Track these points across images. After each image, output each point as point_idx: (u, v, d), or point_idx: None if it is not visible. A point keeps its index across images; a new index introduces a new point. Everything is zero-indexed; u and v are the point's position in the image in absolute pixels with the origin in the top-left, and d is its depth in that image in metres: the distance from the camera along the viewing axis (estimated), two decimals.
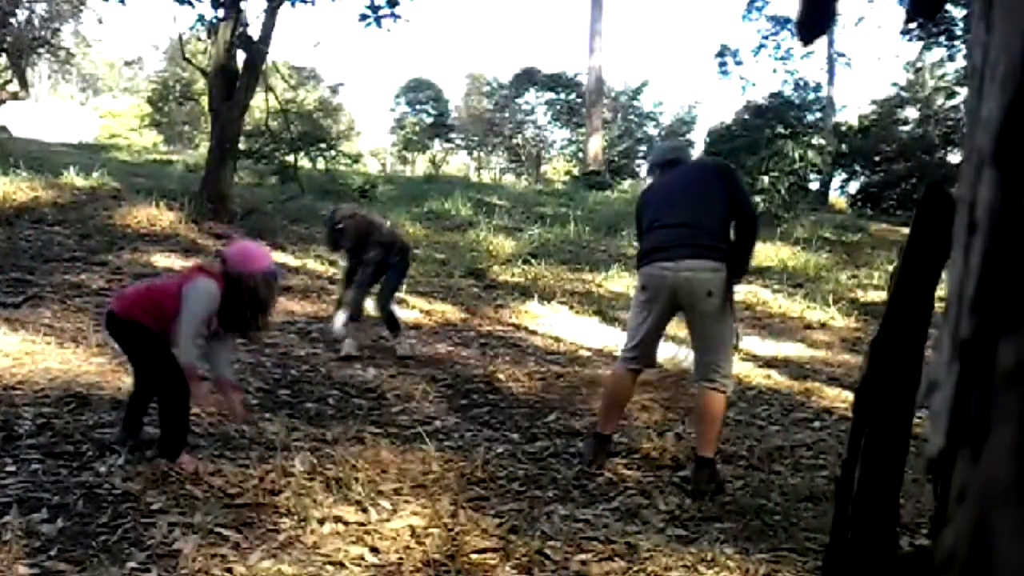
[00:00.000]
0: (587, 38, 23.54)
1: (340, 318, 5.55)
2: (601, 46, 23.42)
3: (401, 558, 2.62)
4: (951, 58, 21.83)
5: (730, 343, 3.53)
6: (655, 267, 3.43)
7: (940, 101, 22.70)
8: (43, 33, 21.86)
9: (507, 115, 33.55)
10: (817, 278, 10.05)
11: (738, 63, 26.54)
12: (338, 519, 2.86)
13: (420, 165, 34.36)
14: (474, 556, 2.64)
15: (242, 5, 9.74)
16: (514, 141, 34.29)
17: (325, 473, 3.22)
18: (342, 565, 2.55)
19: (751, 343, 6.43)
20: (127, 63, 46.11)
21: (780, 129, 16.11)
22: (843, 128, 22.69)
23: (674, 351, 5.14)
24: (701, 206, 3.45)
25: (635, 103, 33.35)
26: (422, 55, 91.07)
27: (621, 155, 29.69)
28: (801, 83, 24.66)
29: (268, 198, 11.72)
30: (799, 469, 3.69)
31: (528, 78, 32.31)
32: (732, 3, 78.79)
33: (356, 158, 23.60)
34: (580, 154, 28.11)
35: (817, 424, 4.47)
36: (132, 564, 2.46)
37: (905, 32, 21.14)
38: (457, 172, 32.08)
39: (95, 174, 10.27)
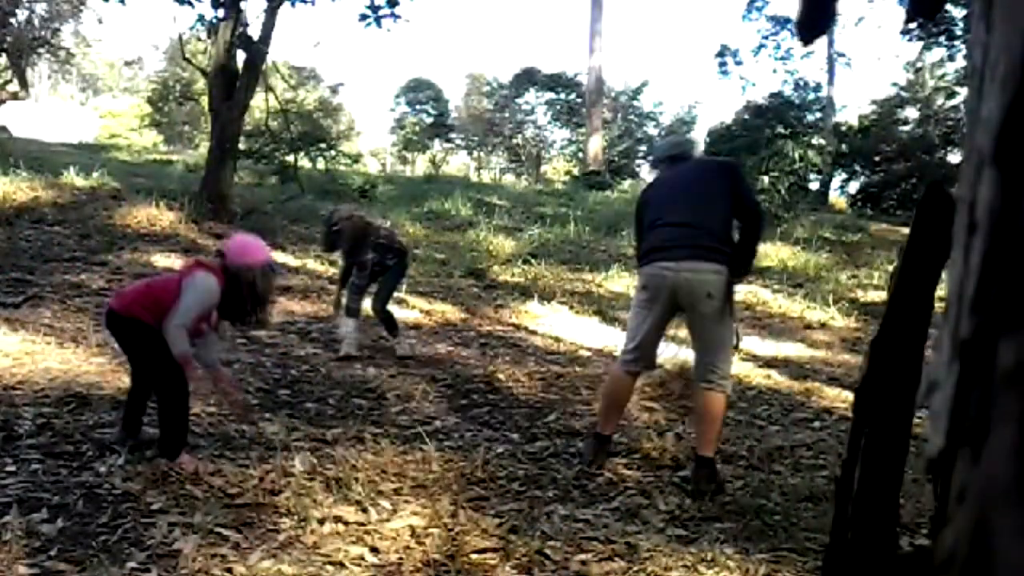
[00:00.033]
0: (587, 38, 23.55)
1: (348, 323, 5.53)
2: (601, 46, 23.43)
3: (401, 558, 2.62)
4: (951, 58, 21.84)
5: (730, 344, 3.52)
6: (656, 267, 3.42)
7: (940, 101, 22.70)
8: (43, 33, 21.86)
9: (507, 115, 33.56)
10: (817, 278, 10.05)
11: (738, 63, 26.57)
12: (338, 519, 2.86)
13: (420, 165, 34.37)
14: (474, 556, 2.64)
15: (242, 5, 9.74)
16: (514, 141, 34.29)
17: (325, 473, 3.22)
18: (342, 565, 2.55)
19: (751, 343, 6.43)
20: (127, 63, 46.13)
21: (780, 129, 16.11)
22: (843, 128, 22.70)
23: (674, 351, 5.14)
24: (704, 205, 3.42)
25: (635, 103, 33.36)
26: (422, 55, 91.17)
27: (621, 155, 29.69)
28: (801, 83, 24.69)
29: (268, 198, 11.72)
30: (799, 469, 3.69)
31: (528, 78, 32.31)
32: (732, 3, 78.80)
33: (356, 158, 23.60)
34: (580, 154, 28.11)
35: (817, 424, 4.47)
36: (132, 564, 2.46)
37: (905, 32, 21.15)
38: (457, 172, 32.08)
39: (95, 174, 10.27)
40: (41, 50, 22.63)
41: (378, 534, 2.78)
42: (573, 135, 32.17)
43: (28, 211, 8.42)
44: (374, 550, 2.67)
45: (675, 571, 2.61)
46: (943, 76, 22.91)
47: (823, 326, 7.77)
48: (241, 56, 9.72)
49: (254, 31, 9.85)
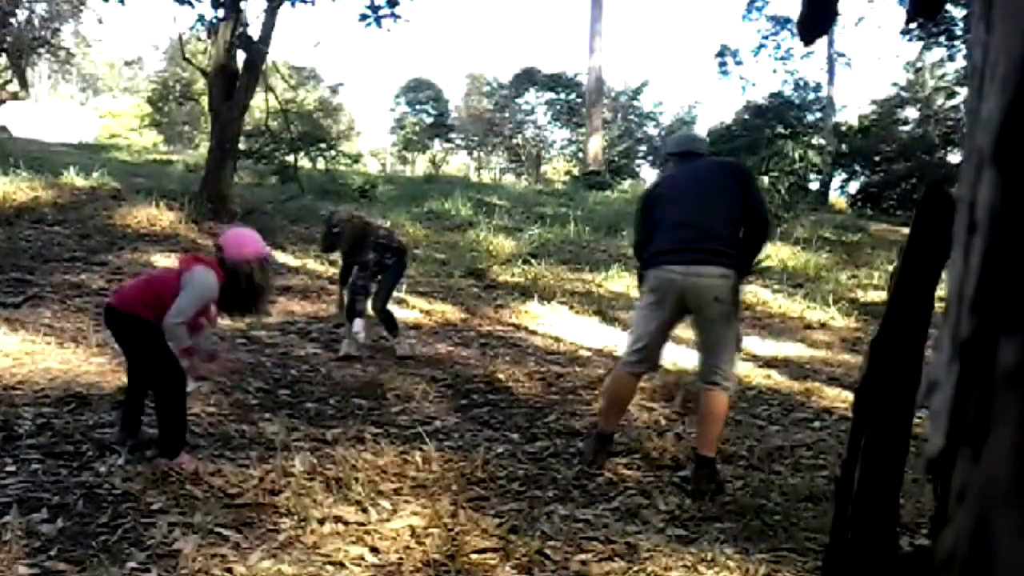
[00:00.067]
0: (587, 38, 23.55)
1: (357, 323, 5.54)
2: (601, 46, 23.43)
3: (401, 558, 2.62)
4: (951, 58, 21.85)
5: (734, 346, 3.52)
6: (664, 270, 3.40)
7: (940, 101, 22.72)
8: (43, 33, 21.87)
9: (507, 115, 33.56)
10: (817, 278, 10.05)
11: (738, 63, 26.59)
12: (338, 519, 2.86)
13: (420, 165, 34.37)
14: (474, 556, 2.64)
15: (242, 5, 9.74)
16: (514, 141, 34.30)
17: (325, 473, 3.22)
18: (342, 565, 2.55)
19: (751, 343, 6.43)
20: (127, 63, 46.15)
21: (780, 129, 16.12)
22: (843, 128, 22.72)
23: (677, 352, 5.13)
24: (713, 208, 3.40)
25: (635, 103, 33.37)
26: (422, 55, 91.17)
27: (621, 155, 29.71)
28: (801, 83, 24.72)
29: (268, 198, 11.72)
30: (799, 469, 3.69)
31: (528, 78, 32.32)
32: (732, 3, 78.85)
33: (356, 158, 23.62)
34: (580, 154, 28.12)
35: (817, 424, 4.47)
36: (132, 564, 2.46)
37: (905, 32, 21.16)
38: (457, 172, 32.08)
39: (95, 174, 10.28)
40: (41, 50, 22.64)
41: (378, 534, 2.78)
42: (573, 135, 32.17)
43: (28, 211, 8.42)
44: (374, 550, 2.67)
45: (675, 571, 2.61)
46: (943, 76, 22.92)
47: (823, 326, 7.77)
48: (241, 56, 9.73)
49: (254, 31, 9.86)
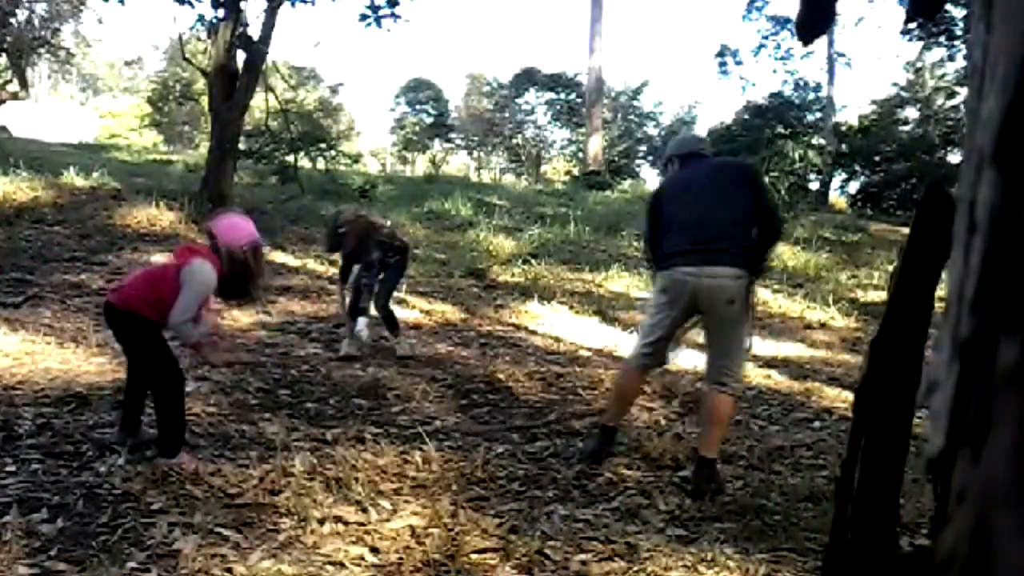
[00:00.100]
0: (587, 38, 23.56)
1: (360, 322, 5.57)
2: (601, 46, 23.43)
3: (401, 558, 2.62)
4: (951, 58, 21.85)
5: (743, 349, 3.51)
6: (677, 272, 3.38)
7: (940, 101, 22.73)
8: (43, 33, 21.88)
9: (507, 115, 33.56)
10: (817, 278, 10.05)
11: (738, 63, 26.58)
12: (338, 519, 2.86)
13: (420, 165, 34.37)
14: (474, 556, 2.64)
15: (242, 5, 9.75)
16: (514, 141, 34.30)
17: (325, 473, 3.22)
18: (342, 565, 2.55)
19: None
20: (127, 63, 46.16)
21: (780, 129, 16.13)
22: (843, 128, 22.71)
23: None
24: (723, 208, 3.38)
25: (635, 103, 33.37)
26: (422, 55, 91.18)
27: (621, 155, 29.71)
28: (801, 83, 24.69)
29: (268, 198, 11.72)
30: (799, 469, 3.69)
31: (528, 78, 32.32)
32: (732, 3, 78.84)
33: (356, 158, 23.63)
34: (580, 154, 28.12)
35: (817, 424, 4.47)
36: (132, 564, 2.46)
37: (905, 32, 21.15)
38: (457, 172, 32.08)
39: (95, 174, 10.28)
40: (41, 50, 22.65)
41: (378, 534, 2.78)
42: (573, 135, 32.17)
43: (28, 211, 8.43)
44: (374, 550, 2.67)
45: (675, 571, 2.61)
46: (943, 76, 22.93)
47: (823, 326, 7.77)
48: (241, 56, 9.73)
49: (254, 31, 9.86)
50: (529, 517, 3.00)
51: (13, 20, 20.30)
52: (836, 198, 22.28)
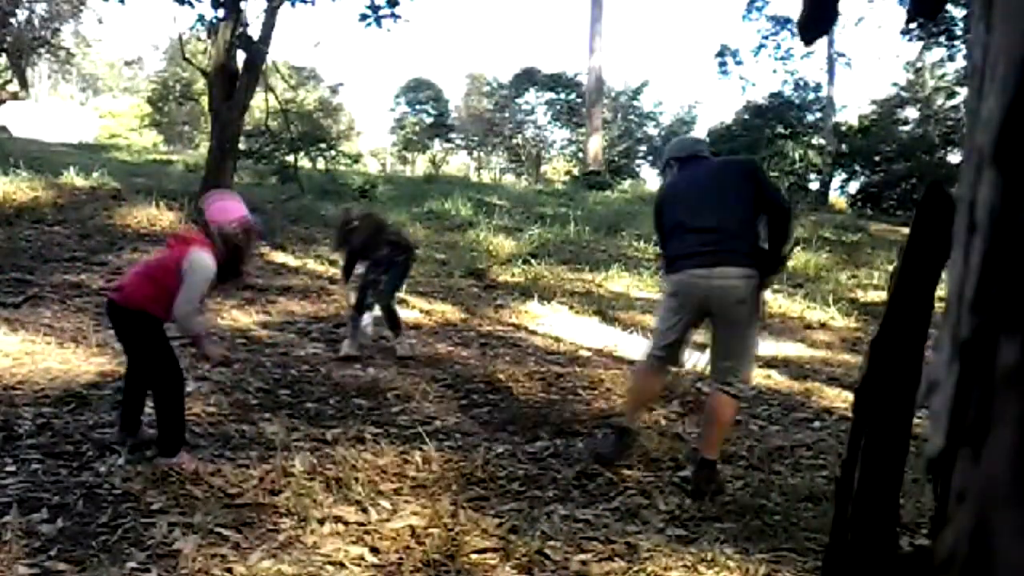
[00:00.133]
0: (587, 38, 23.55)
1: (366, 318, 5.65)
2: (601, 46, 23.43)
3: (401, 558, 2.62)
4: (951, 58, 21.85)
5: (754, 350, 3.50)
6: (687, 274, 3.36)
7: (940, 101, 22.73)
8: (43, 33, 21.89)
9: (507, 115, 33.56)
10: (817, 278, 10.05)
11: (738, 63, 26.57)
12: (338, 519, 2.86)
13: (420, 165, 34.37)
14: (474, 556, 2.64)
15: (242, 5, 9.75)
16: (514, 141, 34.30)
17: (325, 473, 3.22)
18: (342, 565, 2.55)
19: None
20: (127, 63, 46.15)
21: (780, 129, 16.14)
22: (843, 128, 22.71)
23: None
24: (728, 208, 3.37)
25: (635, 103, 33.37)
26: (422, 55, 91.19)
27: (621, 155, 29.72)
28: (801, 83, 24.69)
29: (268, 198, 11.71)
30: (799, 469, 3.69)
31: (528, 78, 32.32)
32: (732, 3, 78.87)
33: (356, 158, 23.63)
34: (580, 154, 28.12)
35: (817, 424, 4.47)
36: (132, 564, 2.46)
37: (905, 32, 21.17)
38: (457, 172, 32.09)
39: (95, 174, 10.28)
40: (41, 50, 22.66)
41: (378, 534, 2.78)
42: (573, 135, 32.17)
43: (28, 211, 8.42)
44: (374, 550, 2.67)
45: (675, 571, 2.61)
46: (943, 76, 22.93)
47: (823, 326, 7.77)
48: (241, 56, 9.73)
49: (254, 31, 9.86)
50: (529, 517, 2.99)
51: (13, 20, 20.31)
52: (836, 198, 22.30)
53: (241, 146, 11.34)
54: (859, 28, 39.71)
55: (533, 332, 6.71)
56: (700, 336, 3.99)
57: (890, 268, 6.71)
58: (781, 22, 25.56)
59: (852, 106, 39.54)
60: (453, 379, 5.06)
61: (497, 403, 4.64)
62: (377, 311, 5.69)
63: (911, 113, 23.97)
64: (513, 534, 2.81)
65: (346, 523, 2.84)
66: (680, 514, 3.13)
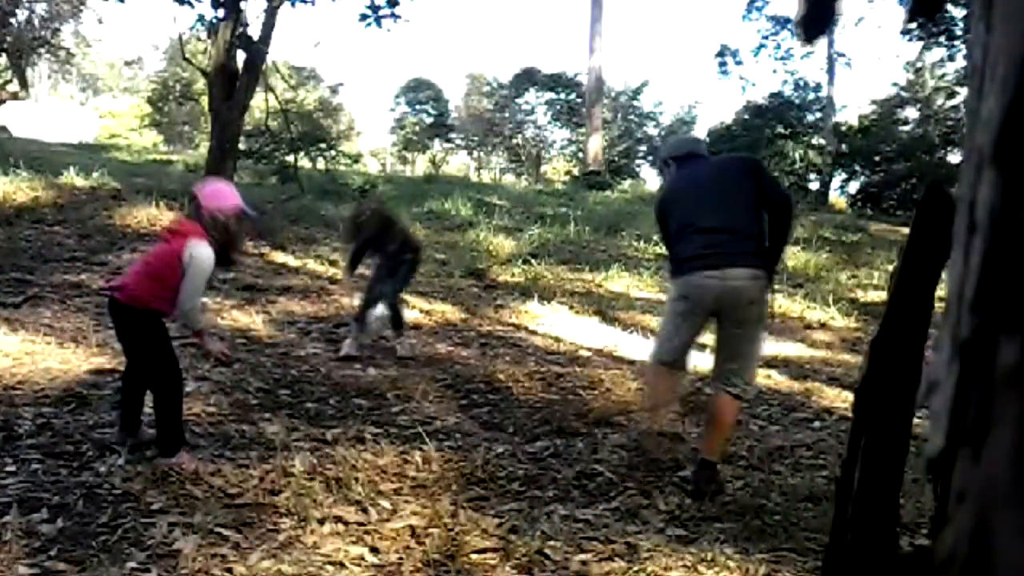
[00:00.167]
0: (587, 38, 23.55)
1: (374, 312, 5.68)
2: (601, 46, 23.43)
3: (401, 558, 2.62)
4: (951, 58, 21.85)
5: (759, 351, 3.47)
6: (698, 276, 3.29)
7: (940, 101, 22.73)
8: (43, 33, 21.90)
9: (507, 115, 33.56)
10: (817, 278, 10.05)
11: (738, 63, 26.55)
12: (338, 519, 2.86)
13: (420, 165, 34.37)
14: (474, 556, 2.64)
15: (242, 5, 9.75)
16: (514, 141, 34.29)
17: (325, 473, 3.22)
18: (342, 565, 2.55)
19: None
20: (127, 63, 46.14)
21: (780, 129, 16.14)
22: (843, 128, 22.71)
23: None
24: (732, 206, 3.32)
25: (635, 103, 33.36)
26: (422, 55, 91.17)
27: (621, 155, 29.72)
28: (801, 83, 24.69)
29: (268, 198, 11.71)
30: (799, 469, 3.69)
31: (528, 78, 32.32)
32: (732, 3, 78.83)
33: (356, 158, 23.63)
34: (580, 154, 28.12)
35: (817, 424, 4.47)
36: (132, 564, 2.46)
37: (905, 32, 21.15)
38: (457, 172, 32.09)
39: (95, 174, 10.27)
40: (41, 50, 22.67)
41: (378, 534, 2.78)
42: (573, 135, 32.17)
43: (28, 211, 8.42)
44: (374, 550, 2.67)
45: (675, 571, 2.61)
46: (943, 76, 22.93)
47: (823, 326, 7.77)
48: (241, 56, 9.74)
49: (254, 31, 9.87)
50: (529, 517, 2.99)
51: (13, 20, 20.31)
52: (836, 198, 22.30)
53: (241, 146, 11.35)
54: (859, 28, 39.64)
55: (533, 332, 6.71)
56: (700, 336, 3.98)
57: (890, 268, 6.71)
58: (781, 22, 25.56)
59: (852, 106, 39.54)
60: (453, 379, 5.06)
61: (497, 403, 4.64)
62: (382, 309, 5.69)
63: (911, 113, 23.98)
64: (513, 534, 2.81)
65: (346, 523, 2.84)
66: (680, 514, 3.13)
